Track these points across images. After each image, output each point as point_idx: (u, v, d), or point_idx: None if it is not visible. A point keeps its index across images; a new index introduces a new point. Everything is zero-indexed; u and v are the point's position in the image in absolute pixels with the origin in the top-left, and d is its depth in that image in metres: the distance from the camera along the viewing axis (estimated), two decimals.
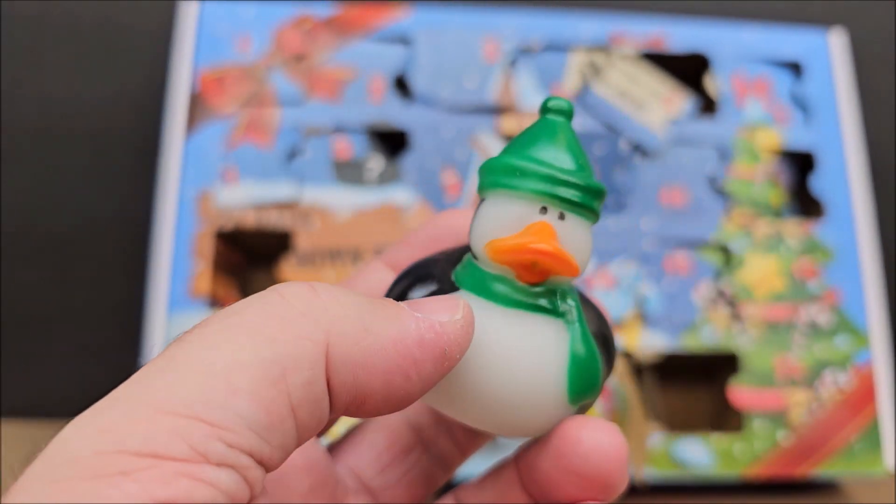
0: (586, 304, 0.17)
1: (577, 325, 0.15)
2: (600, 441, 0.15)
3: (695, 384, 0.38)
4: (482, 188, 0.16)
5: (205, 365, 0.12)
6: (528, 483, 0.17)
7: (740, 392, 0.33)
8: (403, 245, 0.19)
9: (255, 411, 0.12)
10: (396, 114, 0.35)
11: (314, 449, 0.18)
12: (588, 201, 0.15)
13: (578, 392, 0.15)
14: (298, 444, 0.13)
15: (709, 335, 0.34)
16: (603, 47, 0.37)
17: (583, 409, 0.16)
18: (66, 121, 0.42)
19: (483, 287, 0.16)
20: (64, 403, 0.43)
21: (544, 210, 0.15)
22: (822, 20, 0.43)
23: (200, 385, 0.11)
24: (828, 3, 0.45)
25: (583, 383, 0.15)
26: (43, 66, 0.42)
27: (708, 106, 0.38)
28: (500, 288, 0.15)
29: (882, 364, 0.34)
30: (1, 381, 0.40)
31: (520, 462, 0.17)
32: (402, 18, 0.36)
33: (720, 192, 0.36)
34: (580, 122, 0.36)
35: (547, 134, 0.16)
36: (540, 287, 0.15)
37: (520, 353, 0.15)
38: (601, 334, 0.16)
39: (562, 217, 0.15)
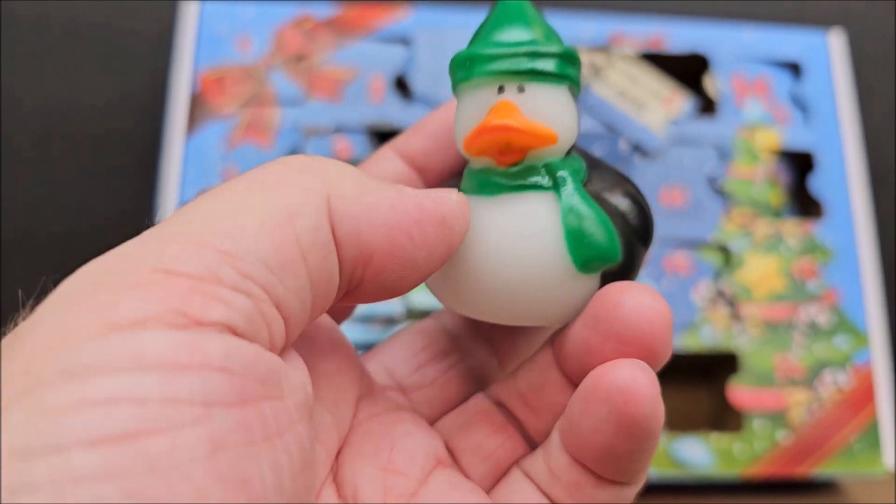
0: (599, 169, 0.16)
1: (569, 189, 0.15)
2: (643, 303, 0.14)
3: (694, 384, 0.38)
4: (453, 91, 0.16)
5: (212, 210, 0.12)
6: (565, 359, 0.15)
7: (740, 392, 0.33)
8: (414, 133, 0.18)
9: (264, 247, 0.12)
10: (397, 114, 0.35)
11: (337, 333, 0.17)
12: (545, 66, 0.15)
13: (585, 256, 0.14)
14: (314, 299, 0.13)
15: (708, 335, 0.34)
16: (603, 48, 0.37)
17: (612, 278, 0.15)
18: (66, 121, 0.42)
19: (471, 185, 0.16)
20: None
21: (501, 89, 0.15)
22: (822, 21, 0.43)
23: (210, 222, 0.12)
24: (827, 4, 0.45)
25: (587, 246, 0.14)
26: (44, 67, 0.42)
27: (707, 106, 0.38)
28: (482, 179, 0.15)
29: (881, 364, 0.34)
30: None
31: (555, 340, 0.16)
32: (402, 19, 0.37)
33: (720, 192, 0.36)
34: (581, 122, 0.36)
35: (498, 17, 0.16)
36: (519, 166, 0.15)
37: (512, 232, 0.15)
38: (623, 193, 0.15)
39: (521, 90, 0.15)
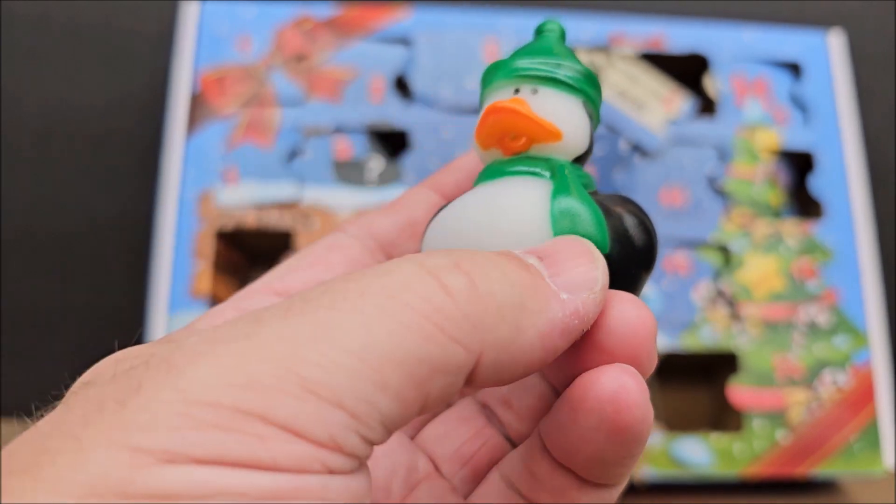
0: (615, 196, 0.16)
1: (566, 178, 0.15)
2: (627, 313, 0.14)
3: (694, 384, 0.38)
4: (479, 103, 0.17)
5: (356, 348, 0.11)
6: (547, 374, 0.16)
7: (740, 392, 0.33)
8: (448, 171, 0.18)
9: (394, 410, 0.11)
10: (397, 114, 0.35)
11: None
12: (560, 74, 0.15)
13: (566, 231, 0.14)
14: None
15: (708, 335, 0.34)
16: (603, 48, 0.37)
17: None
18: (66, 121, 0.42)
19: (478, 179, 0.16)
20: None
21: (517, 91, 0.16)
22: (821, 21, 0.43)
23: (353, 371, 0.11)
24: (826, 4, 0.45)
25: (572, 224, 0.14)
26: (44, 67, 0.42)
27: (707, 106, 0.38)
28: (487, 169, 0.16)
29: (881, 364, 0.34)
30: (1, 380, 0.40)
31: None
32: (402, 19, 0.37)
33: (719, 193, 0.36)
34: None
35: (532, 43, 0.17)
36: (522, 155, 0.15)
37: (497, 205, 0.15)
38: (630, 210, 0.15)
39: (535, 92, 0.15)
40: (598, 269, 0.13)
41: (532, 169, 0.15)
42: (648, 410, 0.13)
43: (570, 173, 0.15)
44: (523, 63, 0.16)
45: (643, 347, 0.14)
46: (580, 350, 0.14)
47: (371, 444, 0.11)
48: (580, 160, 0.16)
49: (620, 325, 0.14)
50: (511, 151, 0.15)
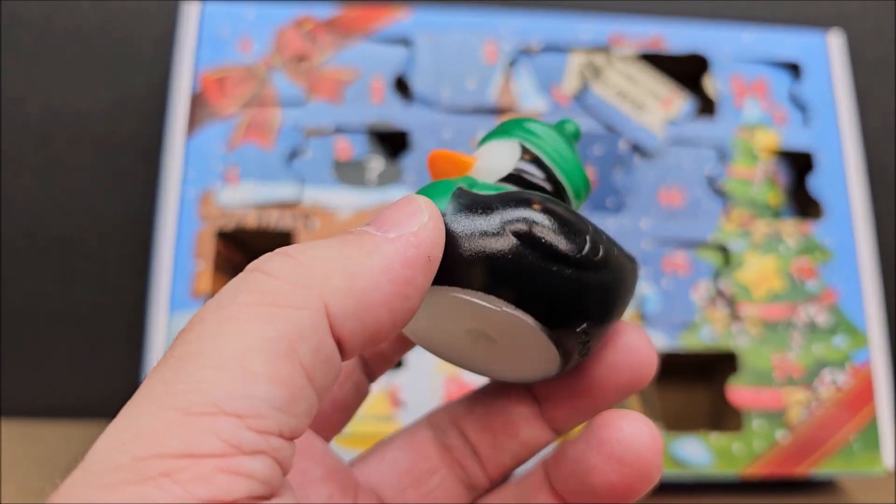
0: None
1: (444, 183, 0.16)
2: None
3: (693, 383, 0.38)
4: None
5: (216, 358, 0.12)
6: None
7: (739, 391, 0.33)
8: None
9: (275, 390, 0.12)
10: (397, 114, 0.36)
11: (331, 458, 0.18)
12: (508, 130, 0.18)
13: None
14: (320, 404, 0.13)
15: (707, 334, 0.34)
16: (602, 48, 0.37)
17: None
18: (68, 123, 0.42)
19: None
20: (64, 403, 0.43)
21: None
22: (820, 22, 0.43)
23: (218, 379, 0.12)
24: (825, 5, 0.45)
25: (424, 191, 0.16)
26: (46, 69, 0.42)
27: (707, 106, 0.38)
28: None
29: (880, 363, 0.34)
30: (1, 381, 0.40)
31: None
32: (402, 20, 0.37)
33: (719, 193, 0.36)
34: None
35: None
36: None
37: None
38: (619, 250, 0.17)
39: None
40: (420, 205, 0.15)
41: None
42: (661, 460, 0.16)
43: (465, 184, 0.16)
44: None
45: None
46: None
47: (275, 434, 0.12)
48: (513, 179, 0.17)
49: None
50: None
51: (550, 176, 0.17)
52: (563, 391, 0.18)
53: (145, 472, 0.11)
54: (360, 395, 0.19)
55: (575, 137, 0.19)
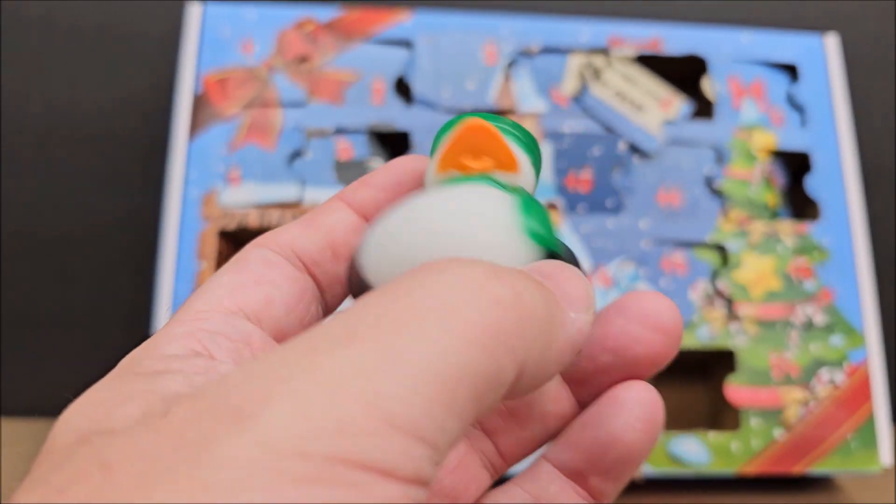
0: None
1: (528, 196, 0.14)
2: (663, 301, 0.15)
3: (691, 382, 0.38)
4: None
5: (430, 374, 0.10)
6: (585, 360, 0.16)
7: (736, 390, 0.34)
8: (364, 185, 0.17)
9: (457, 431, 0.11)
10: (397, 115, 0.36)
11: None
12: (520, 133, 0.15)
13: (530, 223, 0.14)
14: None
15: (705, 334, 0.34)
16: (601, 50, 0.38)
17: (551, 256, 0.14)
18: (70, 123, 0.42)
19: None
20: (64, 403, 0.43)
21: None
22: (817, 24, 0.43)
23: (428, 401, 0.10)
24: (822, 7, 0.45)
25: (534, 215, 0.14)
26: (47, 69, 0.42)
27: (704, 108, 0.39)
28: (443, 181, 0.15)
29: (877, 362, 0.35)
30: (1, 381, 0.40)
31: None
32: (403, 22, 0.37)
33: (716, 193, 0.36)
34: (579, 124, 0.36)
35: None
36: (482, 174, 0.15)
37: (466, 202, 0.14)
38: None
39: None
40: (591, 294, 0.14)
41: (486, 180, 0.15)
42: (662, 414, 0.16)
43: (523, 191, 0.15)
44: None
45: (679, 329, 0.15)
46: (635, 330, 0.15)
47: (438, 464, 0.11)
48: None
49: (662, 308, 0.15)
50: (470, 172, 0.15)
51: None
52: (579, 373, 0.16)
53: (332, 476, 0.09)
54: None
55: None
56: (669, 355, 0.16)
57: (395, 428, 0.10)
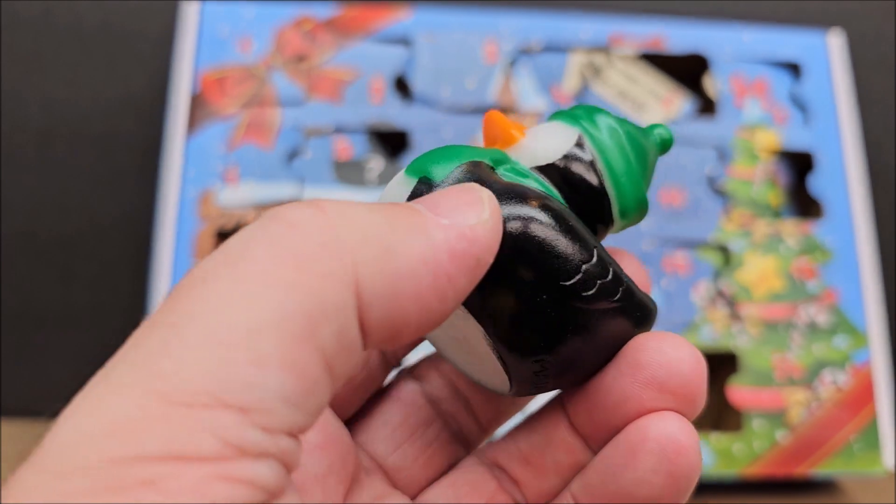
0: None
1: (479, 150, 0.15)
2: (682, 351, 0.13)
3: None
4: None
5: (220, 331, 0.10)
6: (584, 412, 0.15)
7: (739, 391, 0.33)
8: None
9: (288, 381, 0.10)
10: (397, 114, 0.36)
11: (331, 424, 0.16)
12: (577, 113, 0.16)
13: (412, 165, 0.14)
14: (332, 397, 0.11)
15: (708, 335, 0.34)
16: (602, 48, 0.37)
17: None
18: (67, 122, 0.42)
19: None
20: (64, 403, 0.43)
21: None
22: (821, 21, 0.43)
23: (220, 360, 0.09)
24: (826, 4, 0.45)
25: (426, 159, 0.15)
26: (45, 67, 0.42)
27: (707, 106, 0.38)
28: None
29: (881, 364, 0.34)
30: (1, 381, 0.40)
31: (568, 395, 0.15)
32: (402, 19, 0.37)
33: (719, 193, 0.36)
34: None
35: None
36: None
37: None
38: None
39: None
40: (483, 197, 0.13)
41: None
42: (700, 458, 0.13)
43: (489, 159, 0.15)
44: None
45: (698, 387, 0.13)
46: (636, 387, 0.14)
47: (286, 432, 0.10)
48: (551, 171, 0.15)
49: (678, 363, 0.13)
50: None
51: (598, 181, 0.15)
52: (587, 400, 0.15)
53: (122, 480, 0.09)
54: (374, 380, 0.17)
55: (662, 147, 0.17)
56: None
57: (174, 404, 0.09)
